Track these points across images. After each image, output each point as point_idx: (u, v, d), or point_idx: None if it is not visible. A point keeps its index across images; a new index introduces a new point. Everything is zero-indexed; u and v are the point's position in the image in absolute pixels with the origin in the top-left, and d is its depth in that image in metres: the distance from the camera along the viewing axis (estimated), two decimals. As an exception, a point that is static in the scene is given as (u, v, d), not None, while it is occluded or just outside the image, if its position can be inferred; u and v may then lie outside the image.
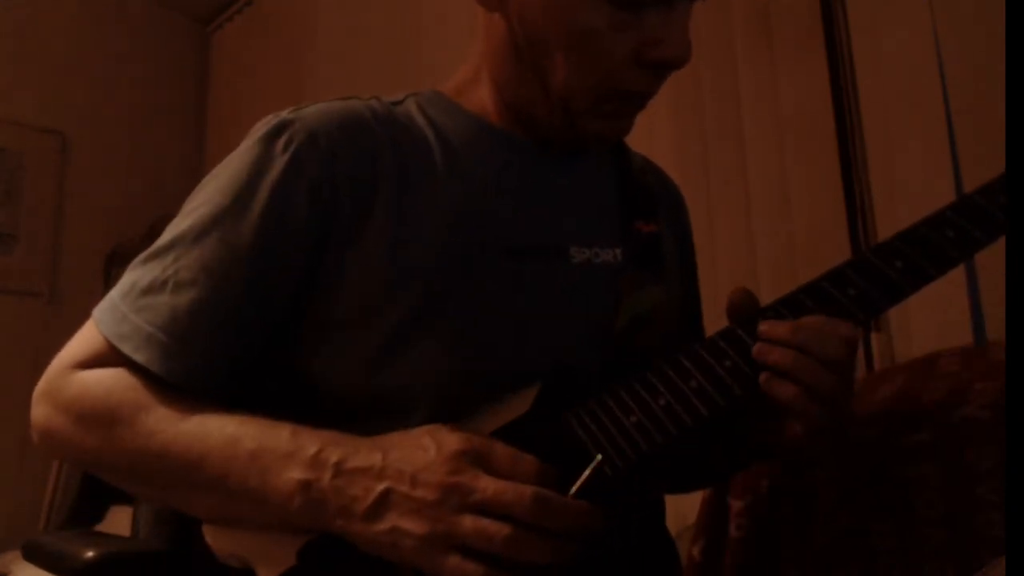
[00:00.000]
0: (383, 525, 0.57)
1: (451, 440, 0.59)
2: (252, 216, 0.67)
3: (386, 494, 0.57)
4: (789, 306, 0.64)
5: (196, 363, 0.66)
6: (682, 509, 1.28)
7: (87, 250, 2.71)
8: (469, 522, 0.55)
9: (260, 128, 0.72)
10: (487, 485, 0.56)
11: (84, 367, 0.67)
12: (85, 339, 0.69)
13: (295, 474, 0.59)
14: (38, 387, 0.69)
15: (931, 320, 1.22)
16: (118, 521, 0.85)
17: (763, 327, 0.63)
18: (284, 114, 0.72)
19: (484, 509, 0.56)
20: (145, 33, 3.01)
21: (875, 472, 0.85)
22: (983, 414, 0.79)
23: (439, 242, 0.69)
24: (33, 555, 0.68)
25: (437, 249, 0.68)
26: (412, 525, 0.56)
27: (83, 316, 0.70)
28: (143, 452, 0.63)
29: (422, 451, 0.58)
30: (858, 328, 0.63)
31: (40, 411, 0.68)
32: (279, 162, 0.69)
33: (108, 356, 0.67)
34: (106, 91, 2.86)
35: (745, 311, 0.66)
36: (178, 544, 0.66)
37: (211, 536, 0.64)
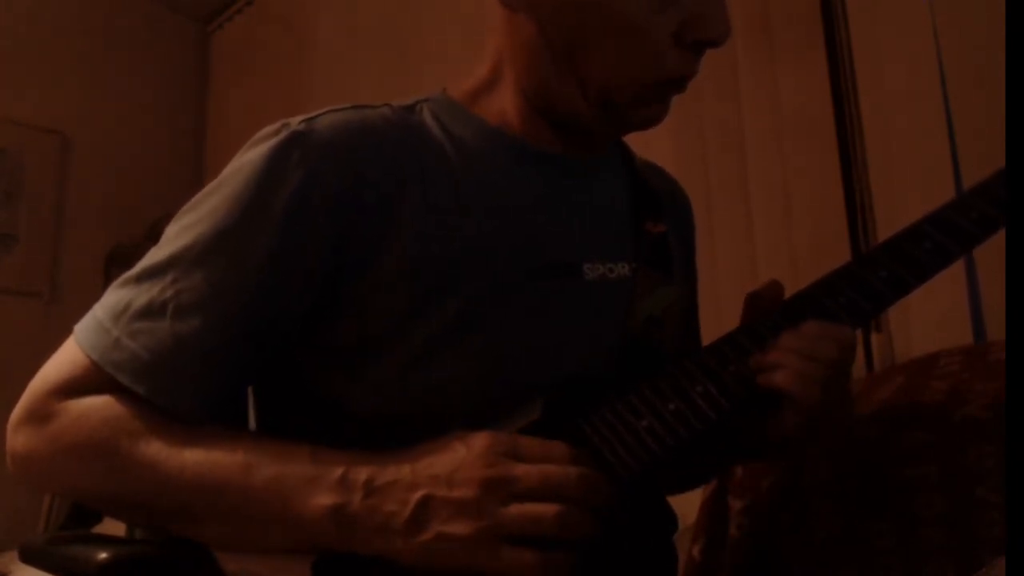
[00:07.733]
0: (427, 535, 0.54)
1: (479, 438, 0.57)
2: (265, 235, 0.62)
3: (424, 502, 0.55)
4: (788, 316, 0.66)
5: (203, 393, 0.62)
6: (682, 509, 1.27)
7: (87, 250, 2.71)
8: (515, 510, 0.54)
9: (266, 139, 0.66)
10: (529, 471, 0.55)
11: (68, 392, 0.62)
12: (67, 361, 0.64)
13: (323, 499, 0.56)
14: (17, 413, 0.64)
15: (931, 320, 1.22)
16: (118, 521, 0.84)
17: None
18: (293, 125, 0.66)
19: (529, 496, 0.55)
20: (145, 33, 3.00)
21: (875, 472, 0.85)
22: (983, 414, 0.79)
23: (463, 261, 0.66)
24: (29, 557, 0.67)
25: (461, 268, 0.66)
26: (458, 527, 0.54)
27: (83, 317, 0.66)
28: (145, 484, 0.60)
29: (451, 453, 0.57)
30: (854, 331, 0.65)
31: (21, 440, 0.63)
32: (294, 177, 0.63)
33: (95, 381, 0.62)
34: (106, 91, 2.86)
35: (768, 303, 0.69)
36: (177, 543, 0.64)
37: (219, 553, 0.61)
